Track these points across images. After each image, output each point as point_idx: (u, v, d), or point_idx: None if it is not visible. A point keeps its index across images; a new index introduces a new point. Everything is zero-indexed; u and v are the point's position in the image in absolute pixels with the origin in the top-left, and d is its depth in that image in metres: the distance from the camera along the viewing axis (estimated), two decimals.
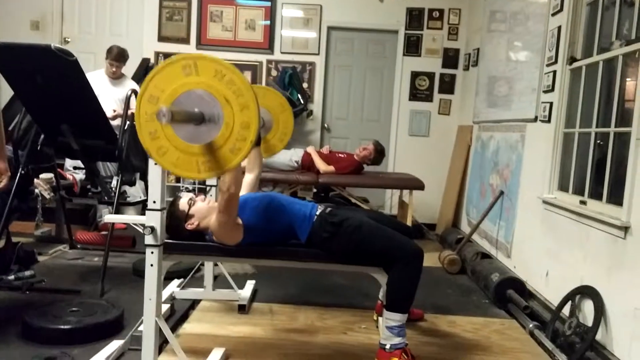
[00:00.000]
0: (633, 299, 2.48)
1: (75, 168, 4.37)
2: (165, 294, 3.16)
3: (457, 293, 3.92)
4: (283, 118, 3.29)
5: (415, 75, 6.29)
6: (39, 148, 3.62)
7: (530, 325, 3.13)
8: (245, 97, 1.95)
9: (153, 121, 1.96)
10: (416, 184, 4.99)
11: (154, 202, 2.17)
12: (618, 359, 2.55)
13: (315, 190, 5.63)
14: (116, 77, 4.90)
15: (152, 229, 2.16)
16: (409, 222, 4.82)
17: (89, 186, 4.26)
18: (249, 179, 2.91)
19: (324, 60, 6.30)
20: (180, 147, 1.99)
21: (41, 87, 3.18)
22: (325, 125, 6.43)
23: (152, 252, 2.20)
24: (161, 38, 6.28)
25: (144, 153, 2.09)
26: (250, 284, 3.53)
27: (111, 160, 4.31)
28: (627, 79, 2.90)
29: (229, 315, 3.14)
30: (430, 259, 4.62)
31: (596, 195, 3.04)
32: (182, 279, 3.42)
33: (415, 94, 6.32)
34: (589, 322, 2.75)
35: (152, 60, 6.21)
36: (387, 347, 2.48)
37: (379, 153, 5.22)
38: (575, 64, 3.41)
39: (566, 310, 3.02)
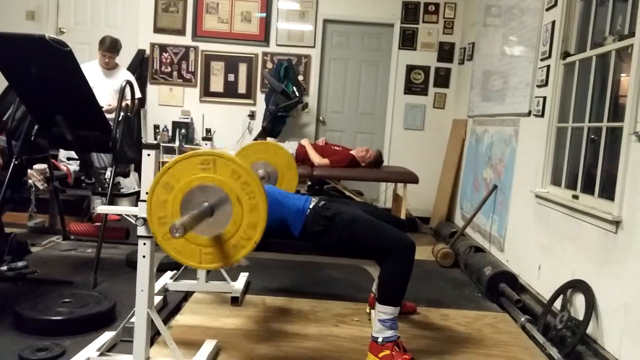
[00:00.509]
0: (624, 294, 2.50)
1: (69, 159, 4.35)
2: (158, 285, 3.16)
3: (450, 286, 3.94)
4: (288, 176, 3.41)
5: (410, 68, 6.29)
6: (32, 138, 3.60)
7: (522, 319, 3.14)
8: (256, 199, 2.03)
9: (164, 208, 2.03)
10: (410, 178, 4.99)
11: (147, 193, 2.16)
12: (608, 352, 2.57)
13: (309, 183, 5.63)
14: (110, 67, 4.88)
15: (145, 220, 2.16)
16: (403, 216, 4.83)
17: (82, 177, 4.25)
18: None
19: (319, 53, 6.30)
20: (186, 235, 2.01)
21: (35, 77, 3.16)
22: (321, 118, 6.43)
23: (144, 244, 2.20)
24: (157, 29, 6.26)
25: (138, 144, 2.10)
26: (243, 276, 3.53)
27: (105, 152, 4.30)
28: (620, 74, 2.91)
29: (222, 307, 3.14)
30: (424, 253, 4.64)
31: (588, 189, 3.05)
32: (175, 271, 3.42)
33: (411, 88, 6.33)
34: (580, 316, 2.77)
35: (148, 52, 6.19)
36: (379, 339, 2.49)
37: (376, 162, 5.19)
38: (569, 59, 3.41)
39: (558, 304, 3.04)
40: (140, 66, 6.14)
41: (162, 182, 2.03)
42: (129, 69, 5.41)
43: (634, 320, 2.41)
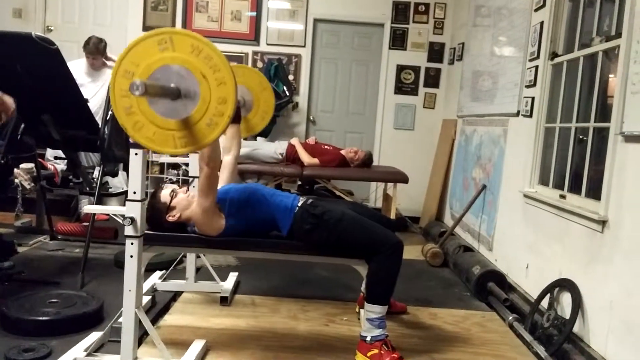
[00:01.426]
0: (610, 292, 2.52)
1: (56, 158, 4.33)
2: (147, 285, 3.14)
3: (439, 286, 3.95)
4: (264, 96, 3.26)
5: (400, 68, 6.30)
6: (19, 137, 3.57)
7: (510, 318, 3.16)
8: (222, 73, 1.95)
9: (128, 97, 1.94)
10: (400, 177, 5.00)
11: (134, 192, 2.15)
12: (595, 351, 2.59)
13: (299, 182, 5.63)
14: (97, 68, 4.84)
15: (132, 220, 2.15)
16: (392, 215, 4.84)
17: (70, 176, 4.22)
18: (227, 160, 2.90)
19: (310, 52, 6.29)
20: (157, 122, 1.98)
21: (22, 75, 3.13)
22: (311, 118, 6.43)
23: (132, 243, 2.19)
24: (146, 28, 6.20)
25: (127, 144, 2.08)
26: (232, 276, 3.52)
27: (93, 151, 4.28)
28: (607, 75, 2.93)
29: (211, 307, 3.13)
30: (414, 252, 4.66)
31: (576, 189, 3.08)
32: (164, 271, 3.40)
33: (401, 88, 6.34)
34: (567, 315, 2.79)
35: None
36: (368, 339, 2.50)
37: (365, 163, 5.19)
38: (557, 60, 3.44)
39: (545, 303, 3.06)
40: None
41: (122, 70, 1.95)
42: None
43: (620, 319, 2.43)
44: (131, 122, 1.99)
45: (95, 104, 4.56)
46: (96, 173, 3.88)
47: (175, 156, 4.64)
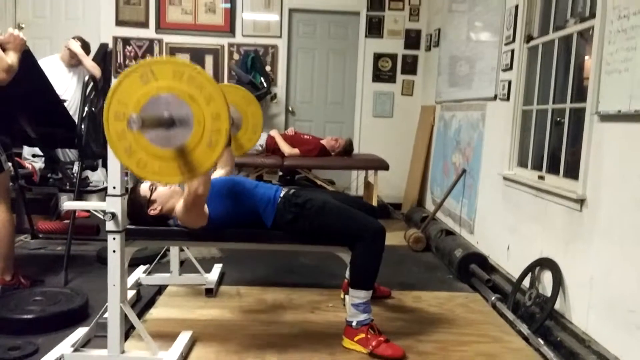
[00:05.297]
0: (589, 269, 2.58)
1: (34, 156, 4.26)
2: (131, 280, 3.13)
3: (422, 270, 3.99)
4: (251, 110, 3.24)
5: (377, 56, 6.31)
6: None
7: (493, 298, 3.21)
8: (208, 89, 1.96)
9: (125, 138, 1.96)
10: (381, 165, 5.03)
11: (114, 187, 2.15)
12: (576, 326, 2.65)
13: (280, 173, 5.63)
14: (73, 64, 4.77)
15: (113, 215, 2.14)
16: (374, 203, 4.86)
17: (49, 174, 4.17)
18: (219, 174, 2.90)
19: (286, 43, 6.27)
20: (159, 155, 1.98)
21: None
22: (290, 109, 6.41)
23: (114, 238, 2.18)
24: (119, 22, 6.13)
25: (104, 139, 2.06)
26: (217, 268, 3.52)
27: (71, 147, 4.22)
28: (582, 56, 2.98)
29: (197, 299, 3.13)
30: (396, 238, 4.69)
31: (554, 170, 3.13)
32: (147, 265, 3.39)
33: (379, 76, 6.35)
34: (548, 293, 2.85)
35: (110, 46, 6.07)
36: (354, 324, 2.52)
37: (346, 151, 5.21)
38: (532, 42, 3.48)
39: (527, 282, 3.12)
40: (104, 60, 6.01)
41: (112, 114, 1.95)
42: None
43: (599, 295, 2.49)
44: (134, 161, 2.00)
45: (77, 99, 4.50)
46: (75, 168, 3.83)
47: None
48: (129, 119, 1.71)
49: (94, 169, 3.92)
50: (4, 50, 2.79)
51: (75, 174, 3.75)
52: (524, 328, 2.77)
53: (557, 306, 2.80)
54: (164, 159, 1.99)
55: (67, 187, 3.78)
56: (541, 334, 2.71)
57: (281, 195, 2.65)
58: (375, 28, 6.26)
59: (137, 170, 2.01)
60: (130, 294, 2.92)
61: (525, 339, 2.72)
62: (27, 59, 2.99)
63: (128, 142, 1.97)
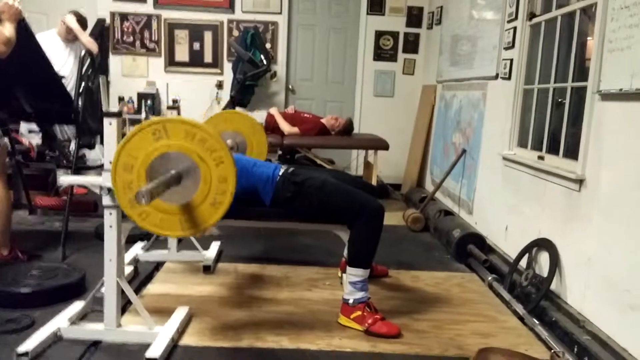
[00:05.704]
0: (586, 250, 2.57)
1: (30, 132, 4.24)
2: (129, 256, 3.13)
3: (420, 250, 4.00)
4: (256, 139, 3.31)
5: (379, 34, 6.25)
6: None
7: (489, 278, 3.21)
8: (219, 152, 2.00)
9: (130, 189, 1.99)
10: (381, 144, 5.01)
11: (110, 162, 2.12)
12: (571, 307, 2.65)
13: (280, 152, 5.60)
14: (70, 39, 4.71)
15: (109, 190, 2.13)
16: (374, 182, 4.85)
17: (46, 151, 4.15)
18: None
19: (286, 19, 6.19)
20: (162, 208, 2.03)
21: None
22: (290, 87, 6.37)
23: (110, 213, 2.18)
24: None
25: (101, 115, 2.06)
26: (215, 245, 3.53)
27: (67, 123, 4.19)
28: (585, 34, 2.94)
29: (194, 275, 3.14)
30: (395, 218, 4.69)
31: (554, 150, 3.11)
32: (145, 242, 3.39)
33: (380, 54, 6.29)
34: (545, 273, 2.85)
35: (108, 21, 6.00)
36: (350, 301, 2.53)
37: (346, 130, 5.18)
38: (535, 20, 3.43)
39: (524, 263, 3.11)
40: (101, 36, 5.94)
41: (121, 164, 2.00)
42: None
43: (597, 275, 2.48)
44: (137, 212, 2.04)
45: (75, 75, 4.46)
46: (72, 146, 3.81)
47: None
48: (137, 194, 1.72)
49: (91, 147, 3.90)
50: None
51: (71, 152, 3.73)
52: (519, 308, 2.78)
53: (553, 287, 2.80)
54: (166, 212, 2.04)
55: (65, 164, 3.76)
56: (536, 314, 2.71)
57: (280, 173, 2.63)
58: (377, 5, 6.18)
59: (138, 220, 2.05)
60: (128, 270, 2.92)
61: (521, 318, 2.73)
62: (23, 29, 2.96)
63: (133, 193, 1.98)
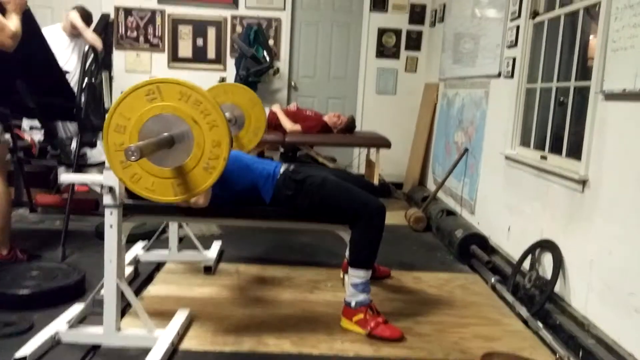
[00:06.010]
0: (590, 251, 2.55)
1: (32, 128, 4.22)
2: (129, 256, 3.11)
3: (422, 250, 3.97)
4: (255, 113, 3.24)
5: (382, 31, 6.21)
6: None
7: (492, 280, 3.19)
8: (213, 116, 1.95)
9: (122, 151, 1.92)
10: (383, 143, 4.98)
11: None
12: (575, 310, 2.63)
13: (282, 149, 5.59)
14: (76, 34, 4.69)
15: (110, 189, 2.12)
16: (375, 181, 4.83)
17: (48, 148, 4.13)
18: None
19: (289, 16, 6.16)
20: (154, 172, 1.98)
21: None
22: (293, 84, 6.34)
23: (111, 213, 2.16)
24: None
25: (104, 111, 2.04)
26: (216, 245, 3.51)
27: (70, 119, 4.17)
28: (588, 33, 2.91)
29: (195, 276, 3.12)
30: (397, 217, 4.67)
31: (556, 150, 3.08)
32: (146, 241, 3.37)
33: (382, 51, 6.26)
34: (548, 275, 2.82)
35: (112, 16, 5.98)
36: (353, 304, 2.51)
37: (348, 128, 5.15)
38: (538, 18, 3.40)
39: (527, 264, 3.09)
40: (105, 31, 5.92)
41: (113, 125, 1.95)
42: None
43: (599, 277, 2.46)
44: (128, 175, 1.99)
45: (79, 71, 4.44)
46: (74, 144, 3.79)
47: None
48: (127, 150, 1.68)
49: (92, 145, 3.88)
50: (4, 11, 2.72)
51: (73, 150, 3.71)
52: (523, 311, 2.76)
53: (556, 289, 2.78)
54: (158, 176, 1.99)
55: (66, 162, 3.74)
56: (540, 317, 2.69)
57: (281, 171, 2.60)
58: (380, 2, 6.15)
59: (130, 183, 2.01)
60: (128, 270, 2.90)
61: (524, 321, 2.71)
62: (28, 20, 2.93)
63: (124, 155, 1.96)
